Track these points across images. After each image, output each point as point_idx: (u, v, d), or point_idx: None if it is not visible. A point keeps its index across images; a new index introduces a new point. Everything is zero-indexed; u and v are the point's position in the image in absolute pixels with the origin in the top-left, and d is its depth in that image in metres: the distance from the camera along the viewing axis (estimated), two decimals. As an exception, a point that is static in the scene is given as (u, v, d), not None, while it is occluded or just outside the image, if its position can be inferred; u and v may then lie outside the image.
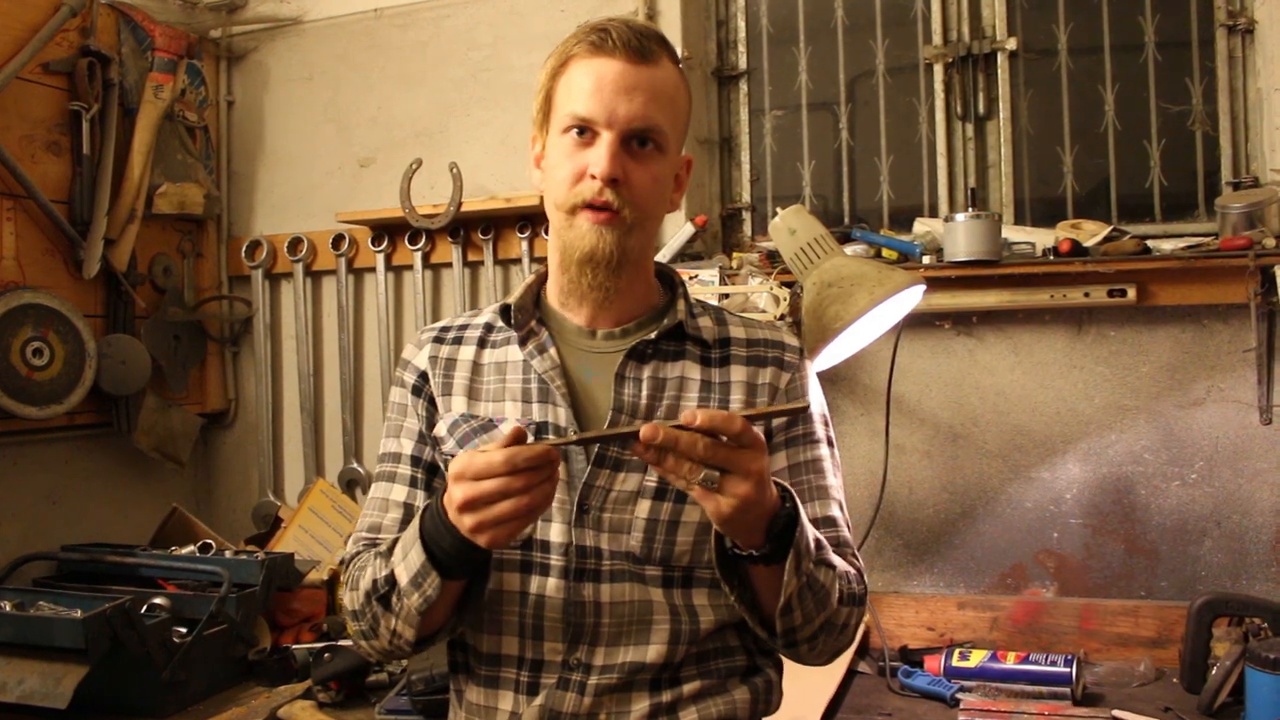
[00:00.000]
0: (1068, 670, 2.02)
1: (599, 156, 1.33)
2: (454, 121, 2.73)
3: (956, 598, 2.36)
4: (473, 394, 1.45)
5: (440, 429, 1.44)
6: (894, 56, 2.59)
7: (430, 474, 1.46)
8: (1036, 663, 2.05)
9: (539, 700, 1.36)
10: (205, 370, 2.87)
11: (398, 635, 1.31)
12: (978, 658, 2.11)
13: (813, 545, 1.28)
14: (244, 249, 2.85)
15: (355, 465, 2.79)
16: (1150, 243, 2.26)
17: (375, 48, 2.79)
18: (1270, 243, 2.12)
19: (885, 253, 2.34)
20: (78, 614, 2.00)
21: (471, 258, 2.67)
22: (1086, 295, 2.22)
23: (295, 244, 2.81)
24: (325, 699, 2.12)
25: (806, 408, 1.41)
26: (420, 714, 1.96)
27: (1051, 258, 2.23)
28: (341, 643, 2.37)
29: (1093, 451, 2.32)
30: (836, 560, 1.35)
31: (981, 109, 2.50)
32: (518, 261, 2.63)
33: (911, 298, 1.75)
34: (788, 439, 1.47)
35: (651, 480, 1.38)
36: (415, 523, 1.26)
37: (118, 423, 2.60)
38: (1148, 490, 2.29)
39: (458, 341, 1.49)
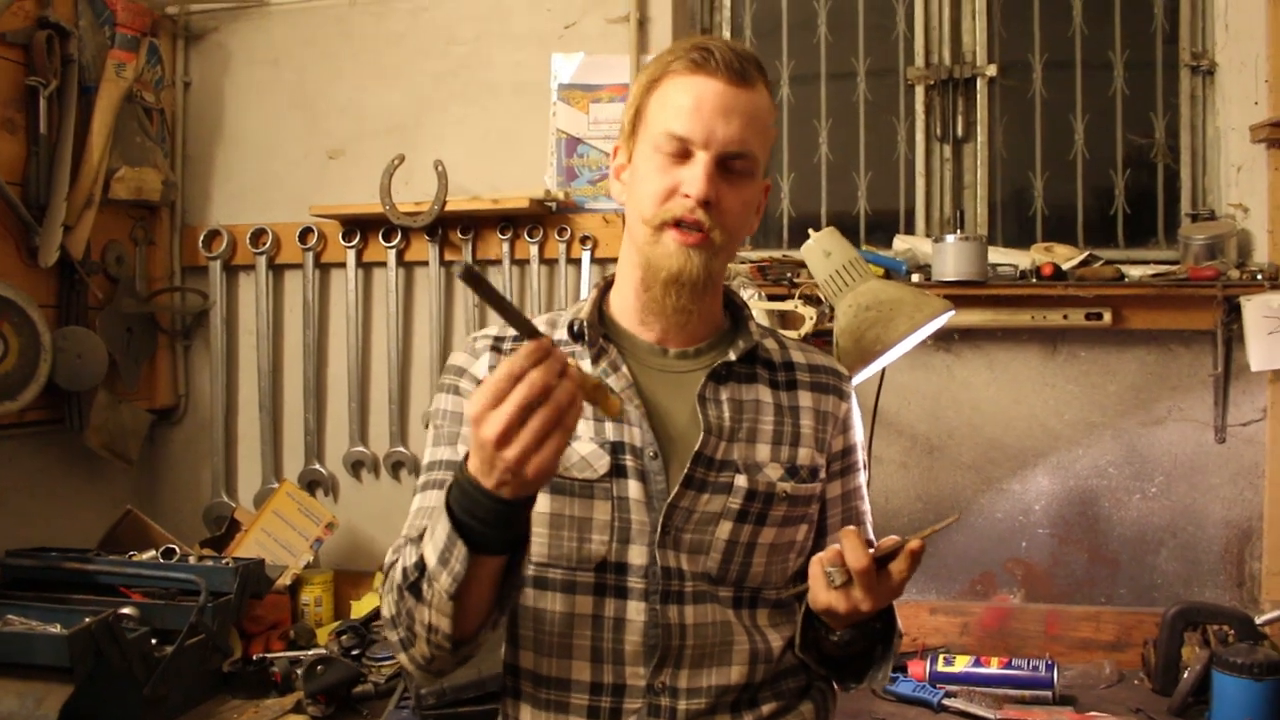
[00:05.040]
0: (1049, 675, 2.12)
1: (694, 177, 1.33)
2: (431, 117, 2.66)
3: (929, 604, 2.45)
4: None
5: None
6: (875, 76, 2.66)
7: None
8: (1019, 668, 2.15)
9: None
10: (155, 364, 2.73)
11: (434, 630, 1.20)
12: (962, 663, 2.19)
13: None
14: (202, 239, 2.72)
15: (318, 466, 2.71)
16: (1116, 266, 2.39)
17: (347, 36, 2.70)
18: (1235, 274, 2.28)
19: (871, 269, 2.40)
20: (57, 629, 1.90)
21: (449, 257, 2.62)
22: (1065, 317, 2.34)
23: (258, 235, 2.70)
24: (316, 712, 2.06)
25: (958, 518, 1.48)
26: (429, 728, 1.93)
27: (1034, 280, 2.34)
28: (313, 651, 2.31)
29: (1061, 465, 2.44)
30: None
31: (960, 131, 2.58)
32: (498, 263, 2.60)
33: (940, 321, 1.81)
34: (843, 468, 1.53)
35: (735, 502, 1.39)
36: (443, 495, 1.15)
37: (70, 420, 2.45)
38: (1110, 502, 2.43)
39: None
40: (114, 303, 2.56)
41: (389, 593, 1.29)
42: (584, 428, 1.39)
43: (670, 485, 1.37)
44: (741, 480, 1.39)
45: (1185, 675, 2.06)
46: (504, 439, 1.04)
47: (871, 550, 1.23)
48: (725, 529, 1.39)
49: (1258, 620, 2.10)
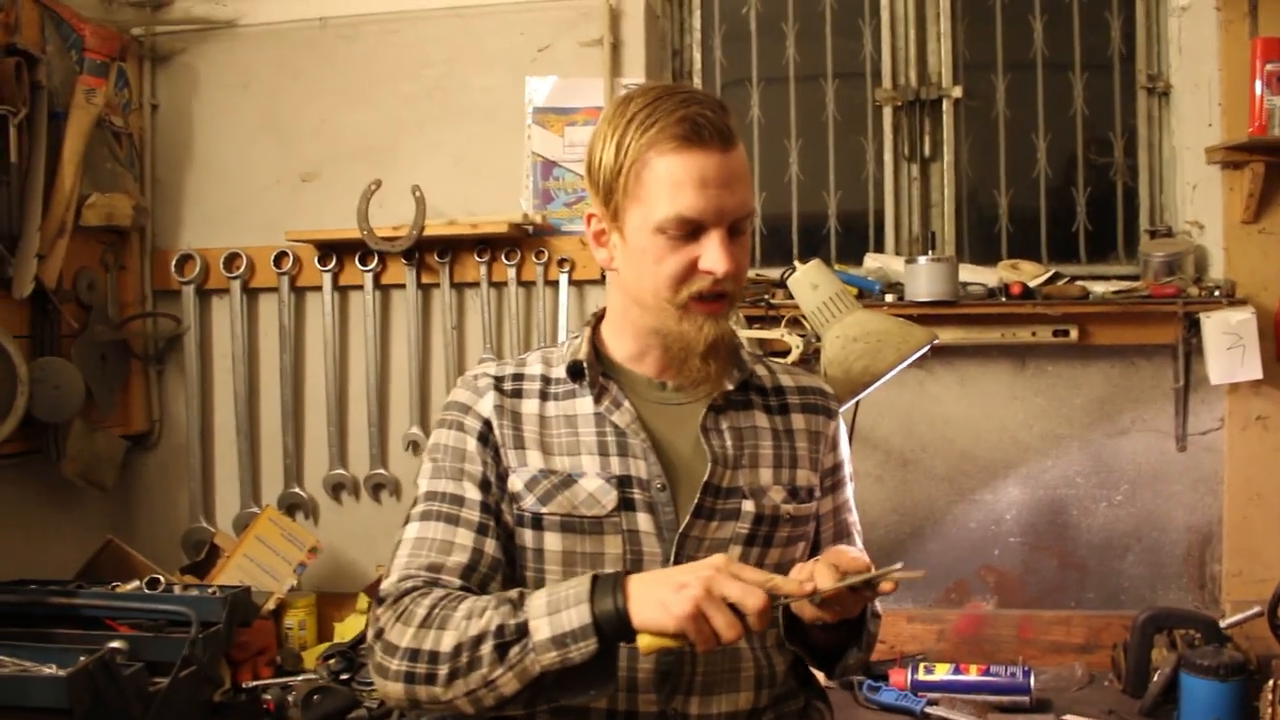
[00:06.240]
0: (1025, 681, 2.20)
1: (715, 255, 1.34)
2: (405, 139, 2.67)
3: (906, 612, 2.52)
4: (545, 448, 1.43)
5: (515, 484, 1.42)
6: (844, 97, 2.72)
7: (498, 522, 1.42)
8: (997, 675, 2.23)
9: None
10: (128, 390, 2.70)
11: (491, 688, 1.24)
12: (942, 671, 2.26)
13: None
14: (174, 263, 2.69)
15: (297, 490, 2.70)
16: (1079, 283, 2.48)
17: (319, 58, 2.69)
18: (1194, 291, 2.37)
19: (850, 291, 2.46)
20: (53, 669, 1.89)
21: (425, 280, 2.63)
22: (1034, 334, 2.43)
23: (232, 259, 2.68)
24: (313, 741, 2.08)
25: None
26: (430, 756, 1.95)
27: (1004, 299, 2.41)
28: (302, 677, 2.33)
29: (1030, 476, 2.53)
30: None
31: (927, 151, 2.65)
32: (475, 285, 2.61)
33: (923, 350, 1.87)
34: (834, 484, 1.59)
35: (744, 527, 1.44)
36: (582, 585, 1.23)
37: (48, 451, 2.43)
38: (1079, 510, 2.52)
39: (517, 395, 1.47)
40: (87, 330, 2.54)
41: (432, 628, 1.27)
42: (589, 463, 1.42)
43: (679, 515, 1.41)
44: (749, 505, 1.44)
45: (1155, 678, 2.15)
46: (706, 600, 1.17)
47: (844, 583, 1.26)
48: (735, 554, 1.43)
49: (1222, 624, 2.20)
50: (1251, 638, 2.24)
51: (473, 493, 1.42)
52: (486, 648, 1.23)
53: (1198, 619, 2.22)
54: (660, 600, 1.18)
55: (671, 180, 1.33)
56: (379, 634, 1.31)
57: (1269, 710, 1.97)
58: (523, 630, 1.22)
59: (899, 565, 1.27)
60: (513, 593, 1.28)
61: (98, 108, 2.46)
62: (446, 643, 1.25)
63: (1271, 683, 1.98)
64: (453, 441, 1.46)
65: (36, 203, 2.34)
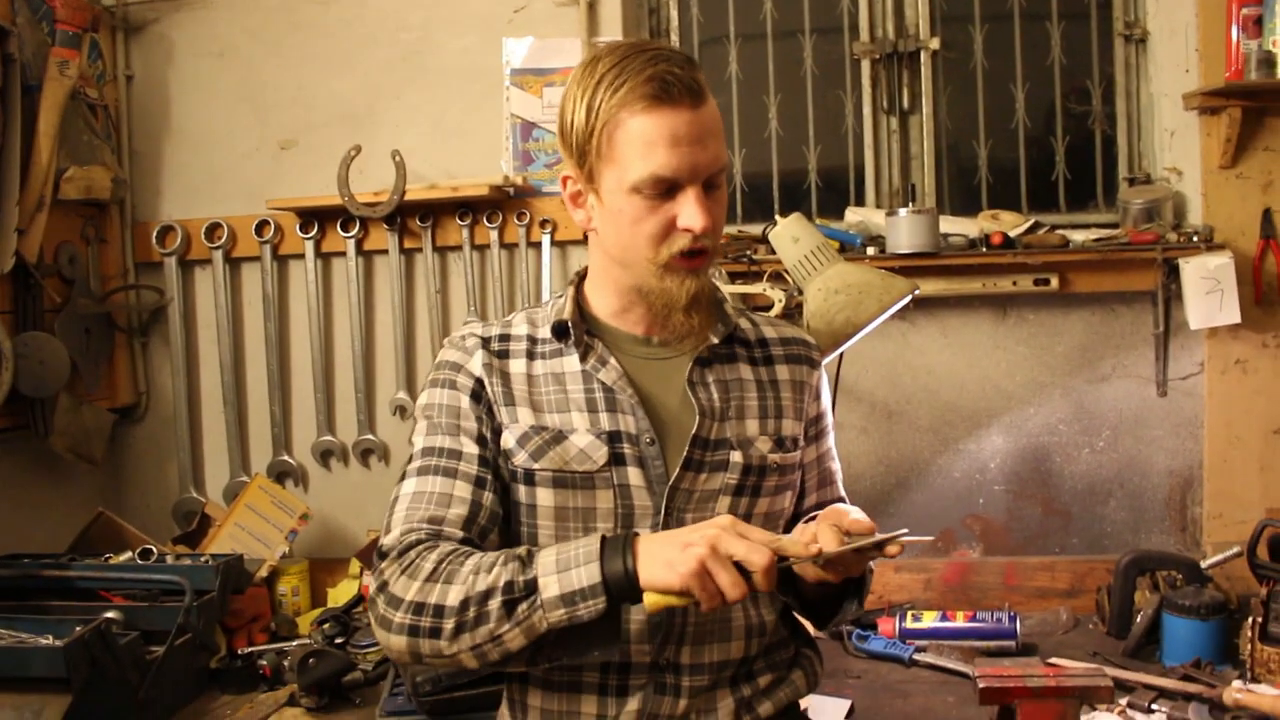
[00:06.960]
0: (1012, 626, 2.24)
1: (691, 212, 1.35)
2: (383, 104, 2.66)
3: (893, 562, 2.55)
4: (535, 405, 1.45)
5: (508, 440, 1.43)
6: (822, 51, 2.71)
7: (495, 476, 1.43)
8: (984, 621, 2.26)
9: (634, 705, 1.41)
10: (114, 363, 2.70)
11: (498, 642, 1.23)
12: (929, 618, 2.30)
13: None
14: (155, 234, 2.69)
15: (286, 457, 2.72)
16: (1059, 232, 2.49)
17: (294, 24, 2.67)
18: (1173, 237, 2.39)
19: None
20: (50, 640, 1.90)
21: (408, 245, 2.63)
22: (1015, 283, 2.44)
23: (213, 229, 2.68)
24: (310, 704, 2.10)
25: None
26: (427, 714, 1.97)
27: (984, 249, 2.43)
28: (296, 642, 2.35)
29: (1014, 424, 2.56)
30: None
31: (906, 103, 2.65)
32: (458, 249, 2.62)
33: (905, 301, 1.88)
34: (817, 432, 1.60)
35: (733, 478, 1.45)
36: (591, 545, 1.23)
37: (34, 426, 2.43)
38: (1062, 457, 2.55)
39: (504, 355, 1.48)
40: (70, 304, 2.53)
41: (438, 582, 1.26)
42: (579, 420, 1.43)
43: (669, 469, 1.42)
44: (737, 456, 1.45)
45: (1138, 619, 2.19)
46: (712, 557, 1.18)
47: (848, 543, 1.27)
48: (724, 504, 1.44)
49: (1203, 565, 2.24)
50: (1232, 578, 2.28)
51: (470, 447, 1.42)
52: (494, 603, 1.23)
53: (1179, 561, 2.26)
54: (666, 559, 1.19)
55: (644, 140, 1.33)
56: (382, 587, 1.30)
57: (1248, 647, 2.02)
58: (531, 587, 1.22)
59: (904, 530, 1.28)
60: (520, 550, 1.28)
61: (71, 80, 2.44)
62: (453, 597, 1.25)
63: (1251, 620, 2.02)
64: (446, 400, 1.46)
65: (14, 177, 2.32)
